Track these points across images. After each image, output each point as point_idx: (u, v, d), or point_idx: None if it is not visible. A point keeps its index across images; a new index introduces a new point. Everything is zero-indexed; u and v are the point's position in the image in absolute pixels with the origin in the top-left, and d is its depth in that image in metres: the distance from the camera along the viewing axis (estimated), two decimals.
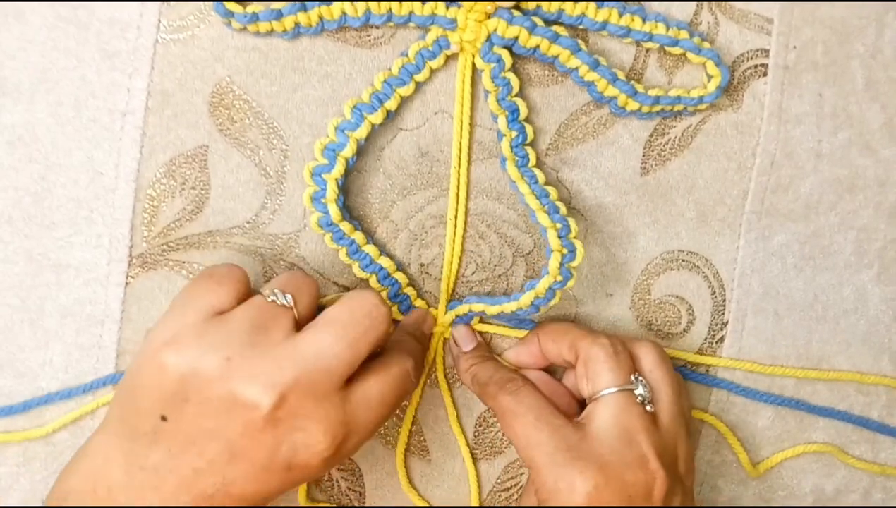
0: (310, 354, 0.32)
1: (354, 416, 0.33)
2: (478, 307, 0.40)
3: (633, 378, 0.37)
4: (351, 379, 0.33)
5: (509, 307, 0.38)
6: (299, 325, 0.33)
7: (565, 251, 0.37)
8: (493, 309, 0.39)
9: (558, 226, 0.37)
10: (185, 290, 0.34)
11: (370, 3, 0.36)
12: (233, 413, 0.31)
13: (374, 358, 0.34)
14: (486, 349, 0.42)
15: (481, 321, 0.41)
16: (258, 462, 0.31)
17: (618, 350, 0.38)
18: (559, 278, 0.37)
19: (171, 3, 0.36)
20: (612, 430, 0.35)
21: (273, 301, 0.33)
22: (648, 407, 0.37)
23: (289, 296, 0.33)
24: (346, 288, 0.40)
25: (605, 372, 0.37)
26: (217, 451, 0.31)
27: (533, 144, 0.40)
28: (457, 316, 0.40)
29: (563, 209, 0.38)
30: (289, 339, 0.32)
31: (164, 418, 0.31)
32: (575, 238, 0.38)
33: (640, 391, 0.37)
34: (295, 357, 0.31)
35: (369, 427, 0.34)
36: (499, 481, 0.43)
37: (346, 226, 0.38)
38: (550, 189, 0.38)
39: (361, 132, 0.37)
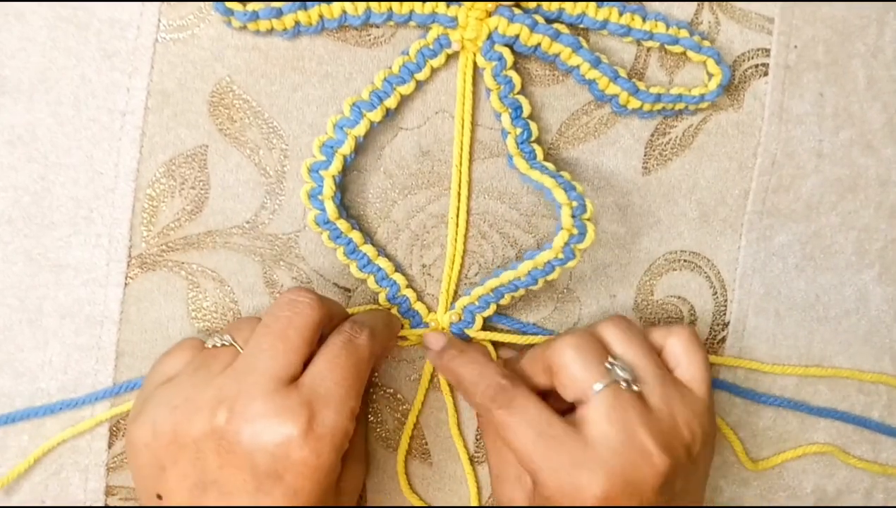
0: (246, 365, 0.33)
1: (313, 392, 0.33)
2: (477, 291, 0.39)
3: (607, 366, 0.36)
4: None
5: (507, 277, 0.38)
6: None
7: (575, 232, 0.36)
8: (486, 287, 0.39)
9: (574, 203, 0.36)
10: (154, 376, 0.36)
11: (371, 2, 0.36)
12: (201, 448, 0.32)
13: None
14: (460, 344, 0.40)
15: (485, 327, 0.40)
16: (240, 486, 0.32)
17: (581, 346, 0.36)
18: (560, 255, 0.37)
19: (171, 2, 0.36)
20: (609, 432, 0.34)
21: (214, 345, 0.35)
22: (635, 387, 0.36)
23: (227, 337, 0.35)
24: (347, 290, 0.40)
25: (578, 374, 0.35)
26: (191, 486, 0.33)
27: (538, 141, 0.39)
28: (464, 308, 0.40)
29: (579, 187, 0.37)
30: (229, 365, 0.34)
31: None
32: (589, 219, 0.37)
33: (620, 375, 0.35)
34: (233, 374, 0.33)
35: (336, 392, 0.33)
36: None
37: (342, 225, 0.37)
38: (564, 173, 0.38)
39: (360, 129, 0.37)
